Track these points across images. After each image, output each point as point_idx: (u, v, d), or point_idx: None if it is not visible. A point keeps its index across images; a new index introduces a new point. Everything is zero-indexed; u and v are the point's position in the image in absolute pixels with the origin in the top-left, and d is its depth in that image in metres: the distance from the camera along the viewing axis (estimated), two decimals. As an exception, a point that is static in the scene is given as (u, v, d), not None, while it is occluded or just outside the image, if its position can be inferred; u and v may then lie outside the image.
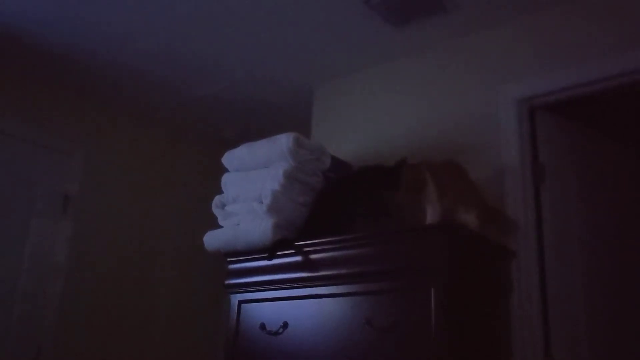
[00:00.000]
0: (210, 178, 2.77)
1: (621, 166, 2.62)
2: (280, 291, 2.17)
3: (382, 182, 2.10)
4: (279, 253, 2.17)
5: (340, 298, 2.01)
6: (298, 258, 2.14)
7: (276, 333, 2.13)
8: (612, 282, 2.39)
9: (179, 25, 2.64)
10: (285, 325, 2.11)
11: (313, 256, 2.10)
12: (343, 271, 2.01)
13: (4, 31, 2.72)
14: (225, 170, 2.45)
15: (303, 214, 2.22)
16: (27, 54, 2.92)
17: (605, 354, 2.27)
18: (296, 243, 2.14)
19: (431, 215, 1.99)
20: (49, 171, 3.14)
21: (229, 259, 2.37)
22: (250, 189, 2.26)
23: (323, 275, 2.06)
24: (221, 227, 2.36)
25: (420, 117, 2.66)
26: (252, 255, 2.26)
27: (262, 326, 2.17)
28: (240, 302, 2.29)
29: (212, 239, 2.34)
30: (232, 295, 2.33)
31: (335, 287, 2.03)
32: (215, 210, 2.38)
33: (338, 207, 2.17)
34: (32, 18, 2.62)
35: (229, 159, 2.44)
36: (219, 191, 2.41)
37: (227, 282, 2.36)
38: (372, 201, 2.13)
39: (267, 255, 2.11)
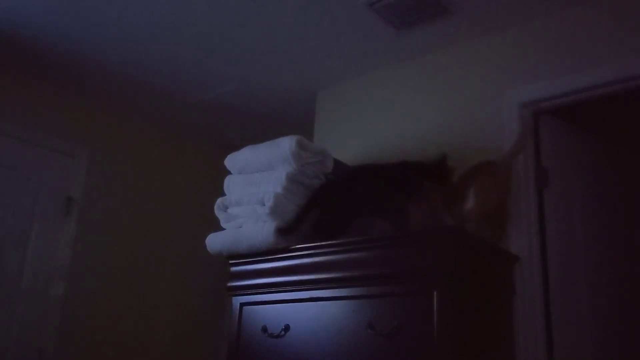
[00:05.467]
0: (213, 180, 2.77)
1: (624, 170, 2.61)
2: (282, 294, 2.17)
3: (423, 176, 2.13)
4: (281, 255, 2.17)
5: (343, 301, 2.00)
6: (300, 261, 2.14)
7: (278, 336, 2.12)
8: (616, 285, 2.38)
9: (183, 28, 2.64)
10: (286, 328, 2.11)
11: (315, 259, 2.10)
12: (345, 274, 2.01)
13: (10, 33, 2.74)
14: (228, 172, 2.45)
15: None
16: (31, 56, 2.93)
17: (609, 358, 2.26)
18: (298, 246, 2.14)
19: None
20: (53, 173, 3.14)
21: (231, 262, 2.37)
22: (253, 192, 2.26)
23: (325, 278, 2.05)
24: (224, 229, 2.37)
25: (423, 120, 2.66)
26: (254, 257, 2.26)
27: (264, 329, 2.17)
28: (242, 305, 2.29)
29: (214, 241, 2.34)
30: (234, 298, 2.33)
31: (337, 290, 2.02)
32: (218, 212, 2.38)
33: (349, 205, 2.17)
34: (38, 23, 2.63)
35: (231, 161, 2.44)
36: (222, 193, 2.41)
37: (229, 284, 2.36)
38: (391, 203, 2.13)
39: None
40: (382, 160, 2.27)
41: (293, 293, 2.14)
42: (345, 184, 2.23)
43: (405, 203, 2.16)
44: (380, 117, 2.83)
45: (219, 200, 2.39)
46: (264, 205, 2.18)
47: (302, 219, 2.14)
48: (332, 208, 2.17)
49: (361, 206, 2.16)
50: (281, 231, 2.12)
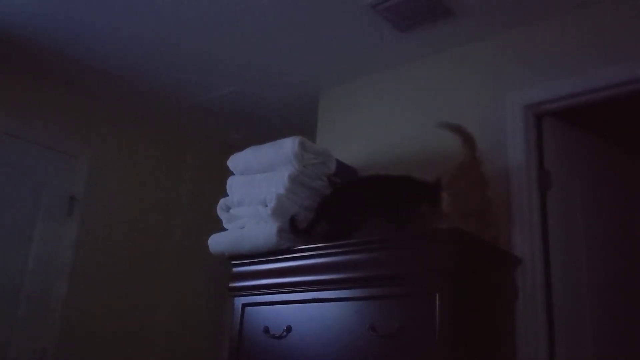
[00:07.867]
0: (216, 181, 2.78)
1: (628, 173, 2.61)
2: (284, 295, 2.17)
3: (418, 196, 2.11)
4: (283, 256, 2.17)
5: (345, 303, 2.00)
6: (302, 262, 2.14)
7: (279, 337, 2.12)
8: (618, 287, 2.38)
9: (186, 29, 2.64)
10: (288, 329, 2.11)
11: (318, 260, 2.10)
12: (348, 275, 2.01)
13: (14, 35, 2.74)
14: (231, 173, 2.46)
15: (307, 218, 2.21)
16: (33, 56, 2.93)
17: (611, 361, 2.26)
18: (301, 247, 2.14)
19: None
20: (55, 173, 3.15)
21: (233, 262, 2.37)
22: (256, 193, 2.27)
23: (327, 280, 2.05)
24: (226, 230, 2.37)
25: (426, 122, 2.65)
26: (256, 258, 2.26)
27: (266, 330, 2.17)
28: (244, 305, 2.29)
29: (216, 242, 2.34)
30: (236, 298, 2.33)
31: (339, 291, 2.02)
32: (220, 213, 2.38)
33: (351, 209, 2.17)
34: (43, 27, 2.64)
35: (234, 162, 2.44)
36: (224, 194, 2.41)
37: (231, 285, 2.36)
38: (396, 210, 2.13)
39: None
40: (387, 172, 2.27)
41: (295, 294, 2.14)
42: (350, 195, 2.22)
43: (408, 209, 2.16)
44: (383, 118, 2.83)
45: (222, 201, 2.39)
46: (267, 206, 2.18)
47: (308, 230, 2.15)
48: (338, 221, 2.16)
49: (366, 216, 2.16)
50: (284, 234, 2.12)
